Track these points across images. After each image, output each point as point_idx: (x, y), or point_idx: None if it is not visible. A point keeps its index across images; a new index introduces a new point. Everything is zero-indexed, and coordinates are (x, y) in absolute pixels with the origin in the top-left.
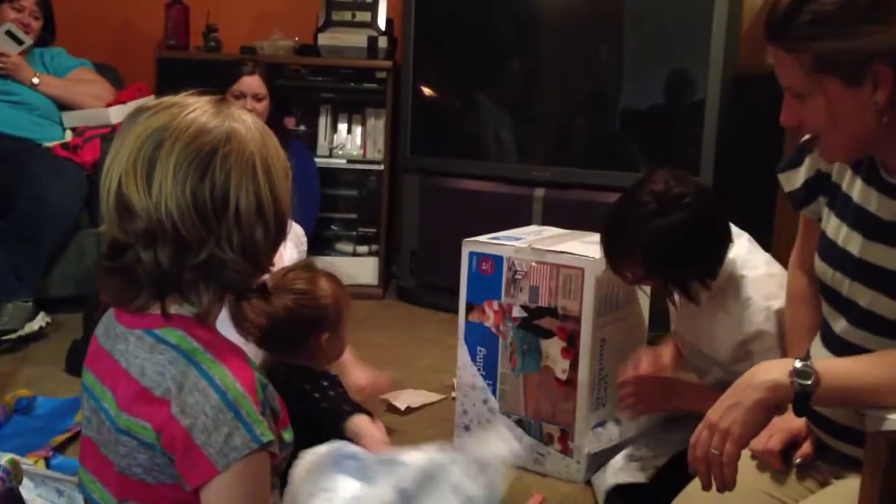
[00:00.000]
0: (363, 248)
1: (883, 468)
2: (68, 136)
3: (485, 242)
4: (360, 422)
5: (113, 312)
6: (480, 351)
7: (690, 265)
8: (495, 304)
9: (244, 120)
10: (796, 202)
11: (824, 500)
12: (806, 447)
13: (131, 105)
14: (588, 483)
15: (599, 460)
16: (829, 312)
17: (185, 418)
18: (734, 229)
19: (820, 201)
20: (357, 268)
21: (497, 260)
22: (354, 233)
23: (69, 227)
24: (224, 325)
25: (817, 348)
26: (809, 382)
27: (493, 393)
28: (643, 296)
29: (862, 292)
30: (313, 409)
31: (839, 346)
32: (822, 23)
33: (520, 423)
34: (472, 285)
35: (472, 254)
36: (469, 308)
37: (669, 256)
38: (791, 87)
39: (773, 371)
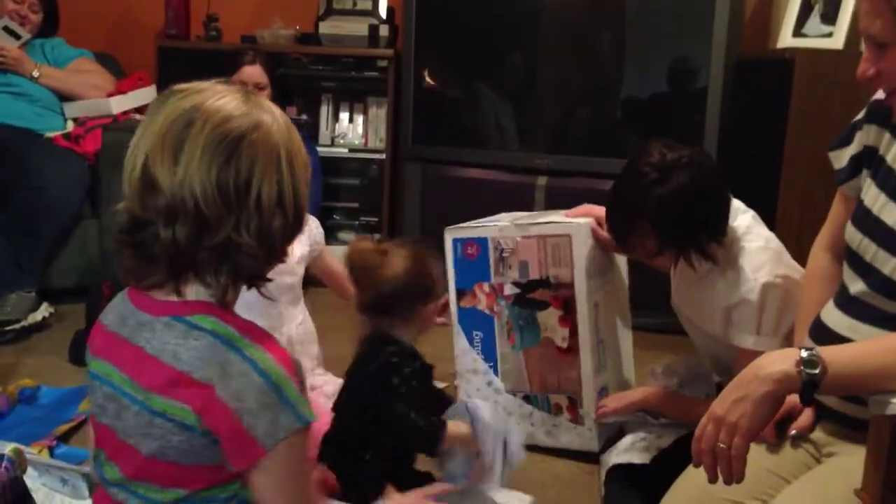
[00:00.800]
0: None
1: (886, 452)
2: (70, 126)
3: (466, 227)
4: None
5: (130, 301)
6: (477, 335)
7: (700, 225)
8: (486, 286)
9: (272, 111)
10: (839, 178)
11: (822, 483)
12: (802, 419)
13: (133, 95)
14: (599, 456)
15: (610, 431)
16: (848, 275)
17: (232, 402)
18: (741, 205)
19: (863, 175)
20: None
21: (482, 242)
22: (356, 222)
23: (71, 218)
24: (244, 309)
25: (830, 310)
26: (817, 371)
27: (496, 374)
28: (622, 264)
29: (887, 260)
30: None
31: (853, 307)
32: None
33: (526, 399)
34: (460, 271)
35: (455, 240)
36: (460, 294)
37: (678, 220)
38: (876, 36)
39: (780, 362)
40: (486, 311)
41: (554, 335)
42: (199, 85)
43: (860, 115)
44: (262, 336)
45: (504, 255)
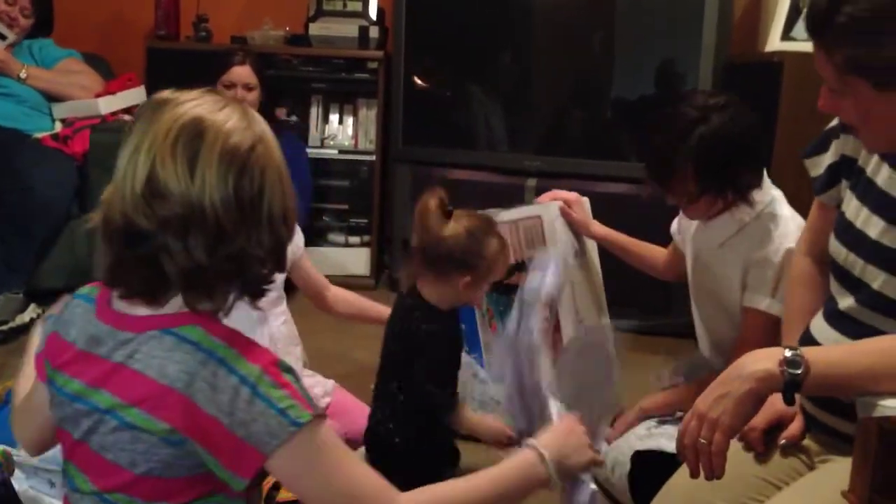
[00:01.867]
0: (355, 239)
1: (874, 454)
2: (58, 127)
3: None
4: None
5: (101, 321)
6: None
7: (740, 165)
8: None
9: (264, 123)
10: (817, 187)
11: (812, 486)
12: (792, 428)
13: (121, 96)
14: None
15: None
16: (837, 290)
17: (222, 416)
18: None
19: (842, 185)
20: (349, 258)
21: None
22: (346, 223)
23: (59, 218)
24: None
25: (818, 323)
26: (800, 371)
27: (481, 365)
28: (593, 250)
29: (876, 275)
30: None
31: (842, 322)
32: (856, 28)
33: None
34: None
35: None
36: None
37: (720, 160)
38: (826, 81)
39: (763, 361)
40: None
41: None
42: (188, 94)
43: (835, 122)
44: (247, 345)
45: None
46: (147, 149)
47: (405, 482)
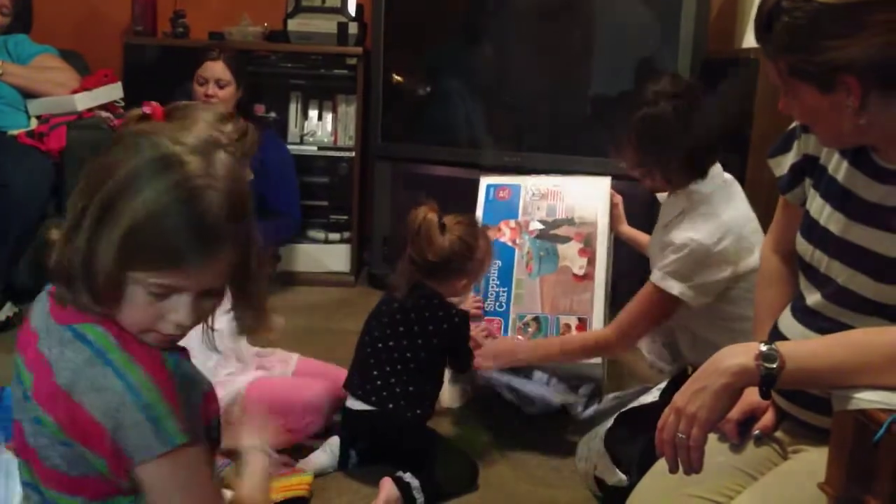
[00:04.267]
0: (335, 236)
1: (849, 446)
2: (34, 123)
3: (501, 177)
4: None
5: (48, 304)
6: (495, 263)
7: (668, 154)
8: (512, 223)
9: (204, 161)
10: (781, 186)
11: (787, 475)
12: (765, 419)
13: (97, 92)
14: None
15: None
16: (805, 286)
17: (102, 417)
18: (728, 177)
19: (806, 184)
20: (329, 255)
21: (514, 188)
22: (326, 220)
23: (36, 216)
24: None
25: (786, 319)
26: (775, 366)
27: (508, 297)
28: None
29: (840, 270)
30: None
31: (810, 317)
32: (793, 36)
33: (536, 320)
34: (489, 210)
35: (489, 186)
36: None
37: (652, 142)
38: (777, 85)
39: (739, 355)
40: (509, 243)
41: (572, 264)
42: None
43: (797, 122)
44: (142, 352)
45: (534, 198)
46: None
47: (417, 449)
